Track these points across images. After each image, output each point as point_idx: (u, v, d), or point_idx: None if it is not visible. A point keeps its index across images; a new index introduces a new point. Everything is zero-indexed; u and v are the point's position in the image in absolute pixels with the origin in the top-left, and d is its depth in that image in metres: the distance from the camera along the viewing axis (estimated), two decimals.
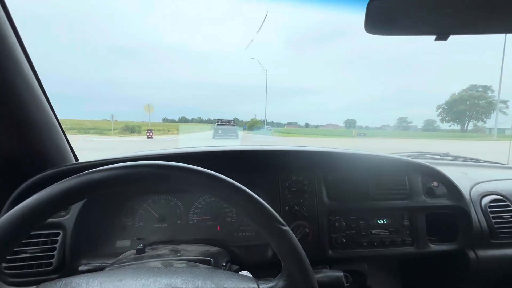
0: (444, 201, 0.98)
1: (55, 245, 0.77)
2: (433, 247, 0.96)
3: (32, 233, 0.77)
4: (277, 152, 0.95)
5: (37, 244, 0.77)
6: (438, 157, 1.56)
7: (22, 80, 0.74)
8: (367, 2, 0.57)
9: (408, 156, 1.41)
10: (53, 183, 0.40)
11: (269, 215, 0.43)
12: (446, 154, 1.58)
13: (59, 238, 0.78)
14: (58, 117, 0.92)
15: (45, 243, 0.77)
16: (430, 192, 1.00)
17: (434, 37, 0.68)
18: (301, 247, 0.43)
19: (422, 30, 0.69)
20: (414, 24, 0.67)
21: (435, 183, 1.00)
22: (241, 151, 0.94)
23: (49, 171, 0.81)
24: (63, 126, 0.94)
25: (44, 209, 0.38)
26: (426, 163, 1.01)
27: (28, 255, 0.75)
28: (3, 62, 0.68)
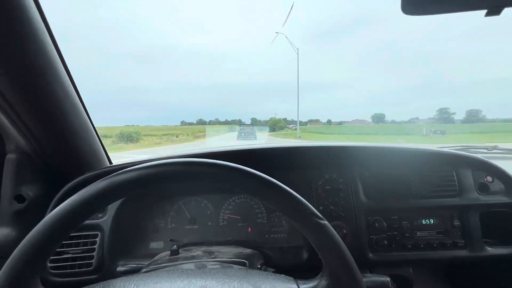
0: (502, 198, 0.87)
1: (94, 246, 0.80)
2: (490, 250, 0.85)
3: (72, 234, 0.81)
4: (307, 149, 0.91)
5: (77, 245, 0.80)
6: (486, 150, 1.41)
7: (62, 89, 0.76)
8: None
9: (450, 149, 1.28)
10: None
11: (305, 209, 0.40)
12: (495, 147, 1.43)
13: (97, 239, 0.81)
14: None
15: (85, 244, 0.80)
16: (483, 188, 0.89)
17: (484, 12, 0.59)
18: (342, 241, 0.40)
19: (470, 4, 0.61)
20: None
21: (489, 178, 0.90)
22: (270, 148, 0.91)
23: (88, 174, 0.85)
24: None
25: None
26: (477, 156, 0.91)
27: (70, 255, 0.79)
28: (45, 73, 0.69)
